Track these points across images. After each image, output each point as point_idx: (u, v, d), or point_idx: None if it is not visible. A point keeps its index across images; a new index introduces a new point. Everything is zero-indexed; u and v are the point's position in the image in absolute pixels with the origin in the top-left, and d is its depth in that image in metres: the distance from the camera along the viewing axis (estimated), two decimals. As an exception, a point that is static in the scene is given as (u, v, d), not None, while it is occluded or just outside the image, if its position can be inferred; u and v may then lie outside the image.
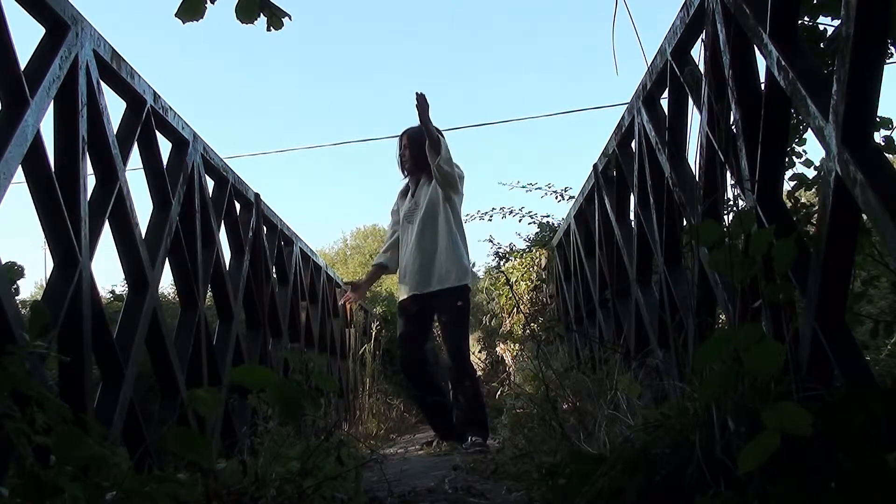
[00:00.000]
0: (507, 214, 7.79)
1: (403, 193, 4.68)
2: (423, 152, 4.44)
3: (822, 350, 1.75)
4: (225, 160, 3.70)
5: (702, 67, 2.51)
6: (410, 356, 4.43)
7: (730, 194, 2.26)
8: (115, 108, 2.54)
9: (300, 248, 5.22)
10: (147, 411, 2.64)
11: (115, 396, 2.30)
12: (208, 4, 2.07)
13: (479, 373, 8.21)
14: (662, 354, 3.08)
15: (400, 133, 4.70)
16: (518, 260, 7.58)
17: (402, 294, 4.52)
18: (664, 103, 3.03)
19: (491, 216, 7.82)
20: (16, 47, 1.91)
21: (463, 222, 4.57)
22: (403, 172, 4.68)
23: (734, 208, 2.20)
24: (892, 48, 2.38)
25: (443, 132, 4.44)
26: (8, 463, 1.65)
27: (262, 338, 4.07)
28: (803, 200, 2.66)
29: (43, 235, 2.09)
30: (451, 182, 4.35)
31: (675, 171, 2.89)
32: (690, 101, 2.70)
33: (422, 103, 4.23)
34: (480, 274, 10.79)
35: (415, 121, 4.32)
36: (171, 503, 1.38)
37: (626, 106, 3.64)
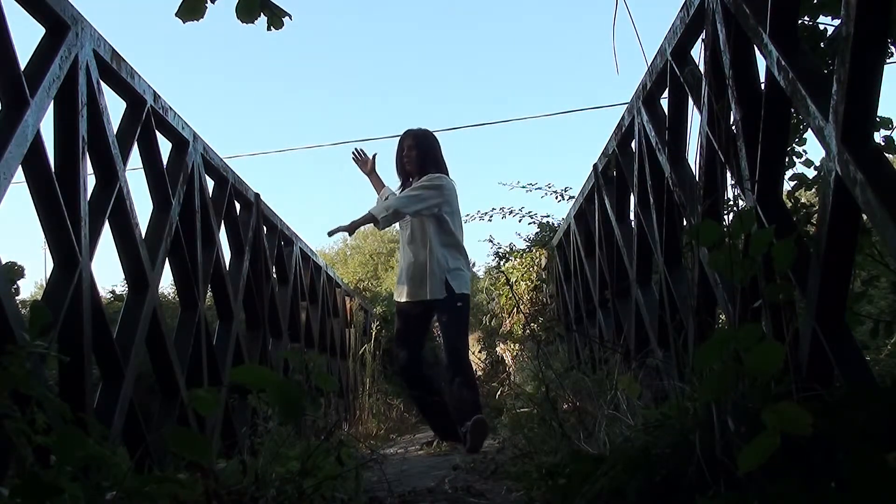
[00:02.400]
0: (507, 214, 7.80)
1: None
2: (429, 155, 4.42)
3: (822, 350, 1.75)
4: (225, 160, 3.70)
5: (702, 67, 2.51)
6: (407, 360, 4.36)
7: (730, 194, 2.26)
8: (115, 108, 2.55)
9: (300, 248, 5.22)
10: (147, 411, 2.64)
11: (115, 396, 2.30)
12: (208, 4, 2.07)
13: (479, 373, 8.22)
14: (662, 354, 3.08)
15: (403, 133, 4.58)
16: (518, 260, 7.59)
17: (400, 296, 4.45)
18: (664, 103, 3.03)
19: (491, 216, 7.83)
20: (16, 47, 1.91)
21: (461, 224, 4.47)
22: (401, 174, 4.58)
23: (734, 208, 2.20)
24: (892, 48, 2.39)
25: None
26: (8, 463, 1.65)
27: (262, 338, 4.07)
28: (803, 200, 2.66)
29: (43, 235, 2.09)
30: (428, 212, 4.29)
31: (675, 171, 2.89)
32: (690, 101, 2.70)
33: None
34: (480, 274, 10.79)
35: (412, 124, 4.34)
36: (171, 503, 1.38)
37: (626, 106, 3.64)
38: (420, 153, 4.43)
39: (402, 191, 4.57)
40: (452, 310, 4.25)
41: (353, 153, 4.81)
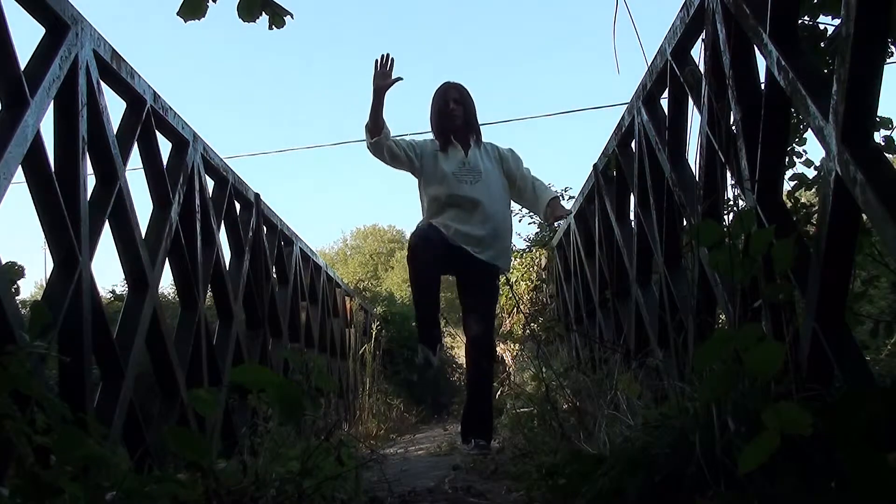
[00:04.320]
0: (506, 214, 7.78)
1: (443, 148, 3.94)
2: (474, 113, 4.02)
3: (822, 350, 1.75)
4: (225, 160, 3.70)
5: (702, 67, 2.51)
6: (432, 301, 3.87)
7: (730, 194, 2.26)
8: (115, 108, 2.55)
9: (300, 248, 5.22)
10: (147, 411, 2.64)
11: (115, 396, 2.30)
12: (210, 3, 2.07)
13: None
14: (662, 354, 3.08)
15: (444, 85, 4.02)
16: (518, 260, 7.59)
17: (442, 231, 3.79)
18: (664, 103, 3.03)
19: (491, 216, 7.80)
20: (16, 47, 1.91)
21: None
22: (441, 130, 3.96)
23: (734, 208, 2.20)
24: (892, 48, 2.39)
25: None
26: (8, 463, 1.65)
27: (262, 338, 4.07)
28: (803, 200, 2.66)
29: (43, 235, 2.09)
30: None
31: (675, 171, 2.89)
32: (690, 101, 2.70)
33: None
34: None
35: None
36: (171, 503, 1.38)
37: (626, 106, 3.64)
38: (467, 109, 4.01)
39: (446, 143, 3.95)
40: (493, 286, 3.99)
41: (381, 56, 3.74)
